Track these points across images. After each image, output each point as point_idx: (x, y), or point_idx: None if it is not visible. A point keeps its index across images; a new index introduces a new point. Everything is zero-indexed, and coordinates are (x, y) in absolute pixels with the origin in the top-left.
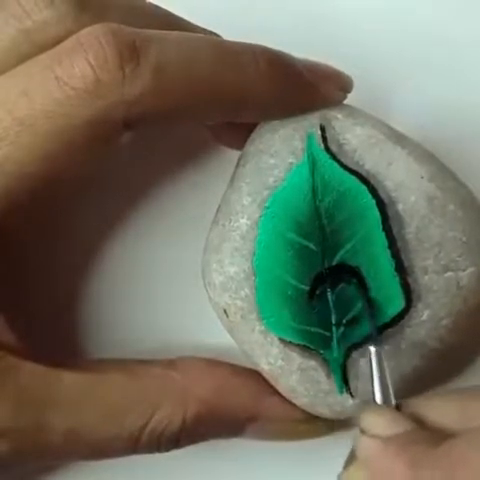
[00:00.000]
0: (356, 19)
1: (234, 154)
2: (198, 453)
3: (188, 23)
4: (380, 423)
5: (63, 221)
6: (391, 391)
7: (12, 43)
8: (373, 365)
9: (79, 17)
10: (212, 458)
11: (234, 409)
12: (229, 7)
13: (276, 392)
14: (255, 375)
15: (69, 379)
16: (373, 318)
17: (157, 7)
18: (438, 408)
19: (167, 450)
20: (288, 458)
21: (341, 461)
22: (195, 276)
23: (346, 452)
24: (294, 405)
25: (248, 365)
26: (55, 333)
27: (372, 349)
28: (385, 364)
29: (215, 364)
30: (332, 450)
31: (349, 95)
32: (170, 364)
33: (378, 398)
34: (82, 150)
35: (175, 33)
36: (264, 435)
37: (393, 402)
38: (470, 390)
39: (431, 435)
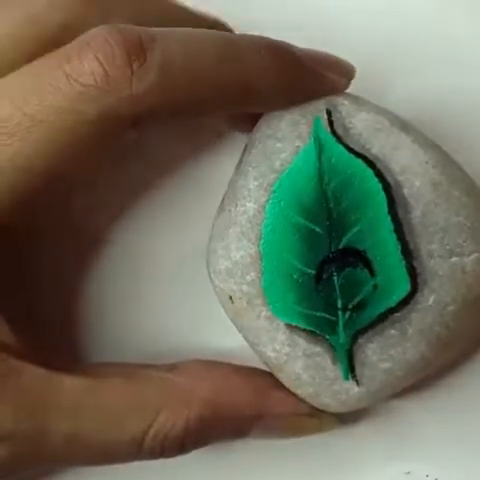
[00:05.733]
0: (351, 12)
1: (237, 147)
2: (198, 453)
3: (189, 10)
4: None
5: (66, 220)
6: None
7: (15, 28)
8: None
9: (86, 3)
10: (213, 457)
11: (238, 408)
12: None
13: (280, 387)
14: (258, 372)
15: (70, 383)
16: None
17: None
18: None
19: (172, 455)
20: (290, 457)
21: (342, 459)
22: (197, 279)
23: (347, 450)
24: (299, 399)
25: (250, 364)
26: (55, 336)
27: None
28: None
29: (216, 365)
30: (334, 447)
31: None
32: (171, 367)
33: None
34: (91, 146)
35: (179, 29)
36: (269, 433)
37: None
38: None
39: None
